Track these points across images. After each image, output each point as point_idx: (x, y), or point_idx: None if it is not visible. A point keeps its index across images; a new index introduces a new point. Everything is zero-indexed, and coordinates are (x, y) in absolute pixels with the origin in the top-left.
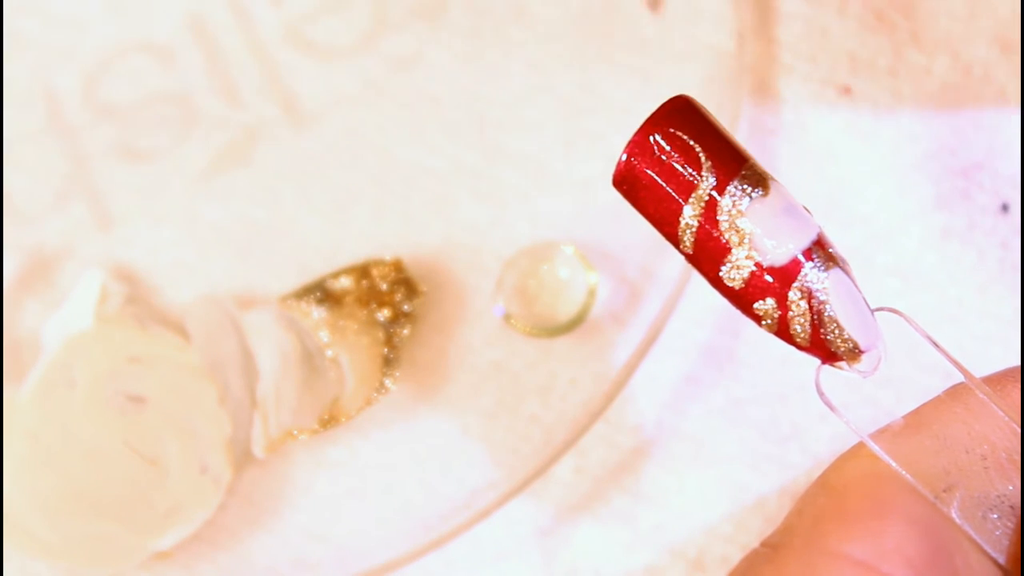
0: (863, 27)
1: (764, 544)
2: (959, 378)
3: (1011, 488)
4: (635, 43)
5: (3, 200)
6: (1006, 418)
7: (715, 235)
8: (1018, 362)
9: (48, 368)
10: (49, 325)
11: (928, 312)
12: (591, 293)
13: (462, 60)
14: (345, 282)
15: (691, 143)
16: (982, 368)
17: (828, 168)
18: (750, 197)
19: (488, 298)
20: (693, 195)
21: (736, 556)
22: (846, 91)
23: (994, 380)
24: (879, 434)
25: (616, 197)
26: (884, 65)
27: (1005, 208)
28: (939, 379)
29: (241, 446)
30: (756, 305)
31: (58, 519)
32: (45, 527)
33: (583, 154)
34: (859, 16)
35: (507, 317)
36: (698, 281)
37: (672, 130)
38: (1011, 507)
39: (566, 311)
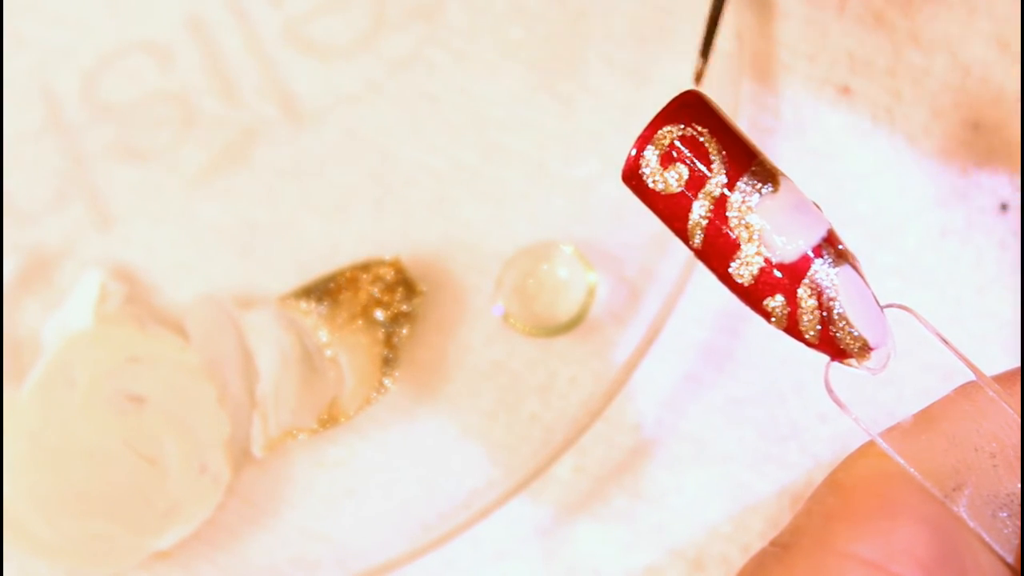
0: (862, 27)
1: (773, 543)
2: (967, 376)
3: (1020, 486)
4: (634, 43)
5: (3, 200)
6: (1015, 415)
7: (725, 231)
8: (1018, 362)
9: (48, 368)
10: (49, 325)
11: (927, 312)
12: (591, 293)
13: (462, 60)
14: (344, 281)
15: (701, 139)
16: (982, 368)
17: (827, 168)
18: (760, 193)
19: (488, 298)
20: (703, 191)
21: (736, 556)
22: (845, 91)
23: (1003, 379)
24: (888, 432)
25: (615, 197)
26: (883, 65)
27: (1004, 208)
28: (946, 377)
29: (240, 446)
30: (765, 302)
31: (58, 519)
32: (45, 527)
33: (583, 154)
34: (858, 16)
35: (507, 317)
36: (698, 281)
37: (683, 125)
38: (1020, 505)
39: (566, 311)
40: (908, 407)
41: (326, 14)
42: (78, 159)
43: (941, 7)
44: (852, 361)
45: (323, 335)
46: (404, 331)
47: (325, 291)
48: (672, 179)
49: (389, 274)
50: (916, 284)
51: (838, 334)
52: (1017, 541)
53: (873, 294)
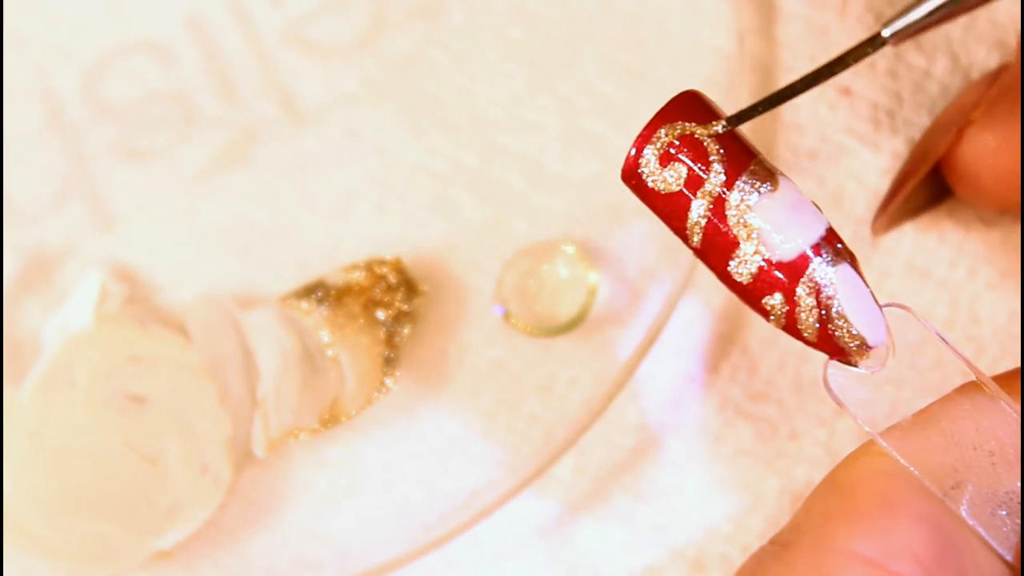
0: (863, 27)
1: (773, 542)
2: (967, 375)
3: (1019, 484)
4: (635, 43)
5: (3, 200)
6: (1015, 414)
7: (723, 230)
8: (1018, 362)
9: (48, 368)
10: (49, 325)
11: (926, 311)
12: (591, 293)
13: (462, 60)
14: (345, 281)
15: (700, 138)
16: (981, 368)
17: (826, 168)
18: (759, 192)
19: (488, 298)
20: (702, 190)
21: (736, 556)
22: (846, 92)
23: (1002, 379)
24: (888, 431)
25: (615, 197)
26: (884, 67)
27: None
28: (946, 376)
29: (241, 446)
30: (764, 300)
31: (58, 519)
32: (45, 527)
33: (582, 154)
34: (859, 17)
35: (507, 317)
36: (698, 281)
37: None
38: (1019, 504)
39: (566, 311)
40: (907, 406)
41: (326, 14)
42: (78, 159)
43: None
44: (851, 360)
45: (324, 335)
46: (405, 331)
47: (326, 291)
48: (671, 178)
49: (390, 274)
50: (915, 285)
51: (837, 332)
52: (1016, 539)
53: (872, 293)
